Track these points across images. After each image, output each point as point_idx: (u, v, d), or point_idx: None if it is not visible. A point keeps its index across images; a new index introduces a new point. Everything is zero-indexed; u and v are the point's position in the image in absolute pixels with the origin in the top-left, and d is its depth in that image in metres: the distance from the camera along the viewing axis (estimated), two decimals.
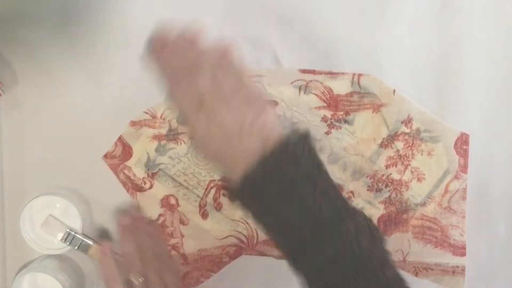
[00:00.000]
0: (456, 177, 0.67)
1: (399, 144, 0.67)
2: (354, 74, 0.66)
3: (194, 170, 0.67)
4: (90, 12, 0.66)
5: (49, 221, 0.65)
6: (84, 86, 0.67)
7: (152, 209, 0.67)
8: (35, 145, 0.67)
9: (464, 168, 0.67)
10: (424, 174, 0.67)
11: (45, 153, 0.67)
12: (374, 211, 0.67)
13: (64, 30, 0.66)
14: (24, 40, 0.66)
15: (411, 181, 0.67)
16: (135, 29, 0.66)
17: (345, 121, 0.67)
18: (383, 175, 0.67)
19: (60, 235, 0.65)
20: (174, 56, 0.55)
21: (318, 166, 0.54)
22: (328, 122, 0.67)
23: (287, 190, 0.52)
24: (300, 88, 0.66)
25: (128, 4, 0.66)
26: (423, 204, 0.67)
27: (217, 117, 0.51)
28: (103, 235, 0.68)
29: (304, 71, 0.66)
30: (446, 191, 0.67)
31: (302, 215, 0.52)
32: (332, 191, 0.54)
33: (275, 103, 0.59)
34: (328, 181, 0.54)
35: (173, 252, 0.68)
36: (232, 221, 0.68)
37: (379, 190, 0.67)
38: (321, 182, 0.53)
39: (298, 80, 0.66)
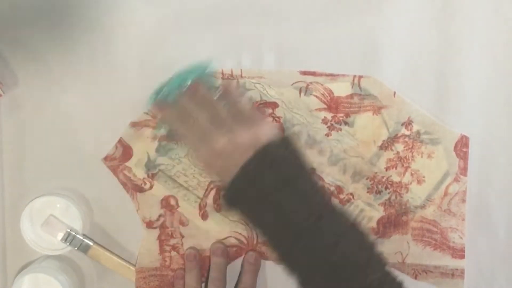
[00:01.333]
0: (455, 179, 0.67)
1: (399, 146, 0.67)
2: (354, 76, 0.66)
3: (194, 171, 0.67)
4: (90, 12, 0.65)
5: (50, 221, 0.65)
6: (84, 86, 0.67)
7: (152, 210, 0.68)
8: (35, 146, 0.67)
9: (464, 170, 0.67)
10: (424, 177, 0.67)
11: (45, 153, 0.67)
12: (374, 213, 0.67)
13: (64, 31, 0.65)
14: (24, 40, 0.65)
15: (410, 183, 0.67)
16: (136, 29, 0.66)
17: (345, 123, 0.67)
18: (383, 177, 0.67)
19: (61, 235, 0.65)
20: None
21: (301, 167, 0.56)
22: (328, 124, 0.67)
23: (265, 197, 0.54)
24: (300, 90, 0.66)
25: (128, 5, 0.65)
26: (423, 206, 0.67)
27: (218, 144, 0.56)
28: (103, 236, 0.68)
29: (304, 73, 0.66)
30: (445, 193, 0.67)
31: (280, 222, 0.54)
32: (314, 193, 0.55)
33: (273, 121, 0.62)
34: (311, 182, 0.56)
35: (173, 253, 0.68)
36: (232, 222, 0.68)
37: (379, 192, 0.67)
38: (302, 185, 0.55)
39: (298, 81, 0.66)
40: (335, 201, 0.67)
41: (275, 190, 0.53)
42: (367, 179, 0.67)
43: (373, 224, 0.68)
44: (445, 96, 0.67)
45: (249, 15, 0.66)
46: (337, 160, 0.67)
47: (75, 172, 0.67)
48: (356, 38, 0.66)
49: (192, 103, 0.59)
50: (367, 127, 0.67)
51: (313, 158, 0.67)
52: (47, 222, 0.65)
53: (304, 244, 0.53)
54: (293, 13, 0.66)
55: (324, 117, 0.66)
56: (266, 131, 0.57)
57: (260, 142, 0.55)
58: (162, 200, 0.68)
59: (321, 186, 0.57)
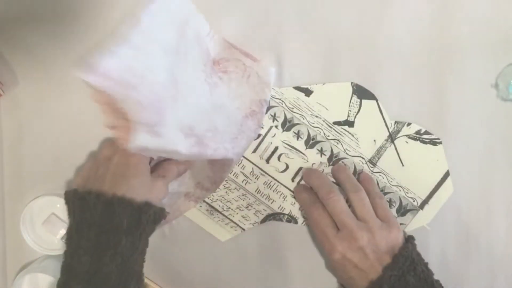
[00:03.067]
0: None
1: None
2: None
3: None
4: (91, 12, 0.65)
5: (51, 219, 0.65)
6: (84, 86, 0.66)
7: None
8: (35, 146, 0.67)
9: None
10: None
11: (45, 153, 0.67)
12: None
13: (64, 30, 0.65)
14: (24, 40, 0.65)
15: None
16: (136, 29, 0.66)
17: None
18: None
19: (61, 234, 0.65)
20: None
21: (426, 266, 0.61)
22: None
23: None
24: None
25: (128, 4, 0.65)
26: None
27: (357, 243, 0.60)
28: None
29: None
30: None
31: None
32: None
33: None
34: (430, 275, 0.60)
35: None
36: None
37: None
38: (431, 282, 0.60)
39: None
40: None
41: None
42: None
43: None
44: (445, 94, 0.67)
45: (248, 16, 0.66)
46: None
47: (75, 172, 0.67)
48: (355, 37, 0.66)
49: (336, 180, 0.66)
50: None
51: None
52: (48, 220, 0.65)
53: None
54: (293, 14, 0.66)
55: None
56: (400, 238, 0.61)
57: (395, 248, 0.60)
58: None
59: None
